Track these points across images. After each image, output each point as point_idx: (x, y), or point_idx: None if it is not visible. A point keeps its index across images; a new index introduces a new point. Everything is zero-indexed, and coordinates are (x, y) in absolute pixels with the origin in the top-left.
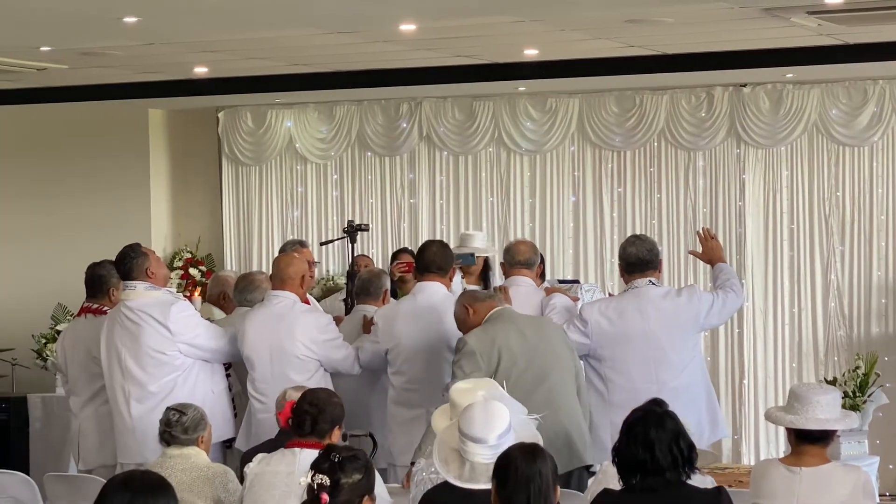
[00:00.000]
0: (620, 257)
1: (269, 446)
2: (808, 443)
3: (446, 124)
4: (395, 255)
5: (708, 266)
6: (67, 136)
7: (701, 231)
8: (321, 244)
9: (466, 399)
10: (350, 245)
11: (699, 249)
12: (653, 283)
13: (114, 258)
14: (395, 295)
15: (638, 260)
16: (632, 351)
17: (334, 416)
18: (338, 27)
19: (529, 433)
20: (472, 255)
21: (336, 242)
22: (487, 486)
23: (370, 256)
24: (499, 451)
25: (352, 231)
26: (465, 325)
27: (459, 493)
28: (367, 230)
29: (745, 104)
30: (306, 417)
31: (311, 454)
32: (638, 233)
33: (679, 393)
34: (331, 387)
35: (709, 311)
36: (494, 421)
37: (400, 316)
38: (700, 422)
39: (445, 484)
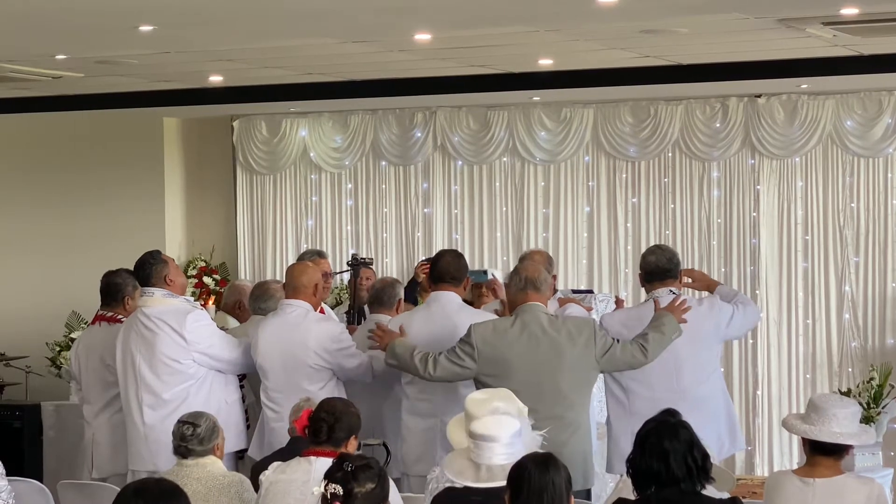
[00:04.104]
0: (641, 266)
1: (280, 455)
2: (822, 454)
3: (461, 134)
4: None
5: (721, 273)
6: (82, 144)
7: (682, 273)
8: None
9: (481, 409)
10: (353, 279)
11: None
12: (673, 293)
13: (129, 266)
14: (415, 303)
15: (658, 269)
16: None
17: (351, 424)
18: (353, 36)
19: (536, 443)
20: (485, 272)
21: (349, 260)
22: (503, 483)
23: (372, 268)
24: (512, 451)
25: (356, 265)
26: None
27: (461, 492)
28: (371, 263)
29: (759, 115)
30: (322, 425)
31: (327, 462)
32: (653, 243)
33: (700, 403)
34: (344, 396)
35: (729, 321)
36: (505, 422)
37: (414, 326)
38: (720, 434)
39: (449, 489)
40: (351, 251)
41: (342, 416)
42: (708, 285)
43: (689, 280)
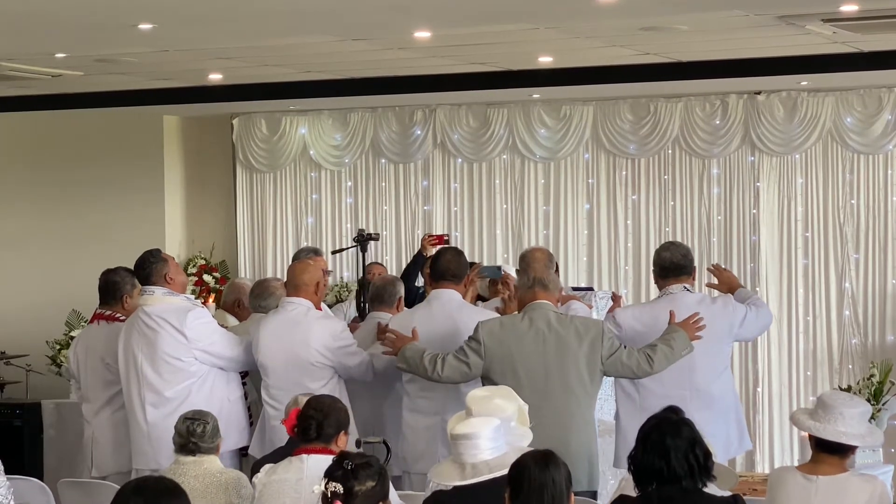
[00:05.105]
0: (655, 262)
1: (280, 454)
2: (826, 452)
3: (460, 131)
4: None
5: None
6: (82, 142)
7: (712, 267)
8: (332, 253)
9: (482, 406)
10: (361, 254)
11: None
12: (687, 289)
13: (128, 265)
14: (422, 298)
15: (673, 265)
16: None
17: (339, 420)
18: (352, 34)
19: (524, 438)
20: (499, 268)
21: (349, 250)
22: (491, 476)
23: (383, 264)
24: (496, 446)
25: (362, 240)
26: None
27: (451, 493)
28: (378, 239)
29: (759, 112)
30: (311, 422)
31: (319, 459)
32: (653, 241)
33: (712, 402)
34: (346, 394)
35: (742, 321)
36: (484, 420)
37: (415, 324)
38: (729, 434)
39: (437, 492)
40: (358, 227)
41: (330, 411)
42: (731, 287)
43: (715, 281)
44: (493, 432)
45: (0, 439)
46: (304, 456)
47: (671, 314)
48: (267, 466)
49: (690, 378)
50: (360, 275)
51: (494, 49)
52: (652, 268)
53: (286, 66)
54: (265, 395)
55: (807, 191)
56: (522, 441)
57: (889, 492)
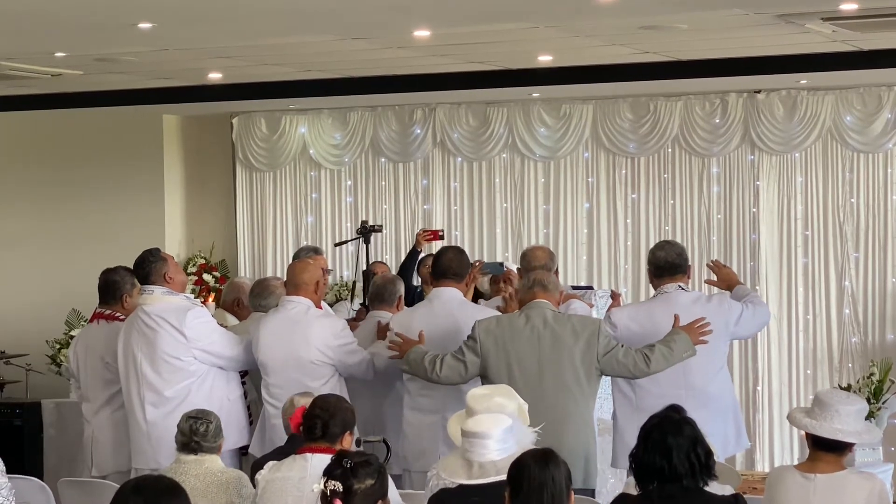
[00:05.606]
0: (650, 262)
1: (280, 453)
2: (824, 450)
3: (460, 130)
4: (422, 261)
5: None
6: (82, 141)
7: (711, 263)
8: (335, 245)
9: (482, 404)
10: (364, 246)
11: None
12: (682, 288)
13: (128, 264)
14: (421, 297)
15: (667, 264)
16: None
17: (345, 420)
18: (352, 33)
19: (529, 439)
20: (502, 265)
21: (350, 245)
22: (497, 478)
23: (385, 262)
24: (505, 447)
25: (365, 232)
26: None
27: (456, 491)
28: (381, 231)
29: (759, 110)
30: (317, 422)
31: (323, 459)
32: (652, 239)
33: (708, 401)
34: (346, 392)
35: (738, 319)
36: (497, 418)
37: (416, 322)
38: (726, 432)
39: (443, 490)
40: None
41: (336, 411)
42: (730, 284)
43: (714, 277)
44: (503, 433)
45: (0, 439)
46: (308, 455)
47: (675, 318)
48: (271, 463)
49: (686, 377)
50: (366, 266)
51: (494, 48)
52: (647, 267)
53: (286, 65)
54: (265, 393)
55: (806, 189)
56: (526, 441)
57: (888, 490)
